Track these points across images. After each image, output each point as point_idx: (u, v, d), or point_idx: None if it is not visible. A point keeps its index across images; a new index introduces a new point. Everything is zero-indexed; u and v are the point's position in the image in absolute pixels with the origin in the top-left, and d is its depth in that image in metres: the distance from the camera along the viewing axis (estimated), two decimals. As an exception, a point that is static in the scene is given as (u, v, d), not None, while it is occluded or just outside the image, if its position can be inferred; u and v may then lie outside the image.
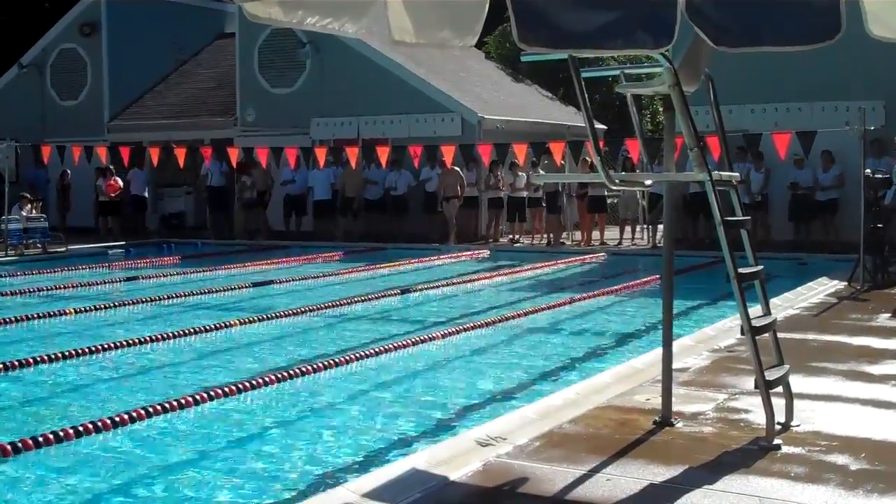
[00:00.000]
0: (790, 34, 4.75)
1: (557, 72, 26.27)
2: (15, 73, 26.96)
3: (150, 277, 14.94)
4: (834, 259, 15.02)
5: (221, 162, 21.97)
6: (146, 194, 23.05)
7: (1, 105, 26.18)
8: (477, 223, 21.28)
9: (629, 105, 6.52)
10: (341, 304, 11.90)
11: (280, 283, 14.21)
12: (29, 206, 19.30)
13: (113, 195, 22.02)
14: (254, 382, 7.38)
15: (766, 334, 5.60)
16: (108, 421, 6.23)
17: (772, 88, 18.25)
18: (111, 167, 22.06)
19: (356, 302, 12.10)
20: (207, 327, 9.96)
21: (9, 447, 5.65)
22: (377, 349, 8.75)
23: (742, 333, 5.35)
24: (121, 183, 22.10)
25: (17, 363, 8.12)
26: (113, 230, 21.87)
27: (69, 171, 22.27)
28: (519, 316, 10.90)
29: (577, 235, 20.69)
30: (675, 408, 5.73)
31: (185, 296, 12.70)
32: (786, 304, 10.49)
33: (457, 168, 20.09)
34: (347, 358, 8.37)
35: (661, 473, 4.75)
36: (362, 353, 8.56)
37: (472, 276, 15.20)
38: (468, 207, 20.65)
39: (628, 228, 20.02)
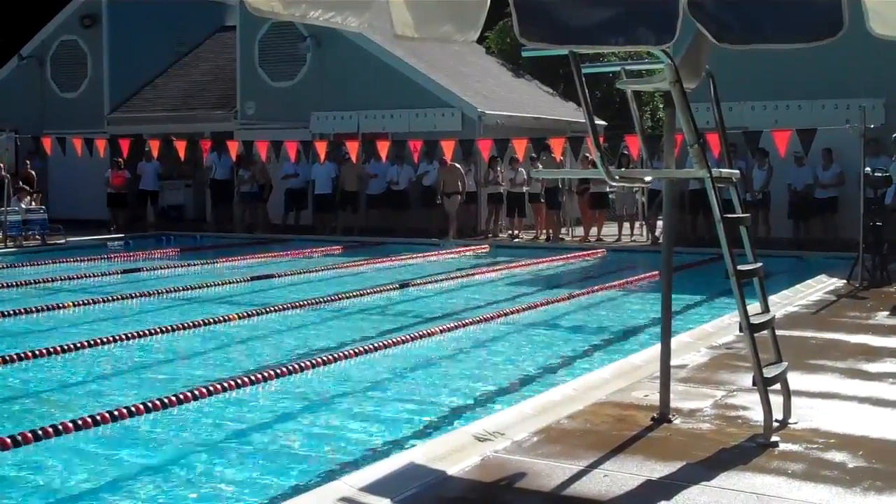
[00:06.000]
0: (792, 31, 4.75)
1: (558, 67, 26.25)
2: (15, 65, 26.90)
3: (148, 270, 14.92)
4: (833, 257, 15.03)
5: (223, 155, 21.98)
6: (157, 188, 23.08)
7: (1, 96, 26.14)
8: (476, 218, 21.29)
9: (629, 101, 6.52)
10: (339, 299, 11.90)
11: (278, 276, 14.21)
12: (28, 198, 19.30)
13: (119, 185, 22.14)
14: (251, 377, 7.38)
15: (765, 331, 5.61)
16: (107, 415, 6.23)
17: (772, 86, 18.23)
18: (118, 160, 22.10)
19: (354, 296, 12.10)
20: (205, 321, 9.94)
21: (8, 440, 5.64)
22: (375, 344, 8.75)
23: (741, 330, 5.36)
24: (127, 174, 22.20)
25: (14, 356, 8.11)
26: (119, 222, 21.94)
27: (28, 162, 22.06)
28: (517, 311, 10.90)
29: (577, 231, 20.69)
30: (673, 404, 5.73)
31: (184, 289, 12.69)
32: (784, 302, 10.49)
33: (456, 164, 20.09)
34: (345, 353, 8.37)
35: (658, 470, 4.76)
36: (360, 349, 8.56)
37: (471, 271, 15.20)
38: (467, 202, 20.68)
39: (627, 224, 20.02)
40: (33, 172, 21.66)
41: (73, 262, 15.68)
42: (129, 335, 9.14)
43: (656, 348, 6.21)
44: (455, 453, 4.98)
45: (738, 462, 4.87)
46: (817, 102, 18.15)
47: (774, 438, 5.21)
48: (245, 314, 10.55)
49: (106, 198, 22.61)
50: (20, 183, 19.91)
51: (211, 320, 10.02)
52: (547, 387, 6.97)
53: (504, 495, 4.56)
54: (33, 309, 10.70)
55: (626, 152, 18.85)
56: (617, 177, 5.85)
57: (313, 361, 7.97)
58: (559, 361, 8.53)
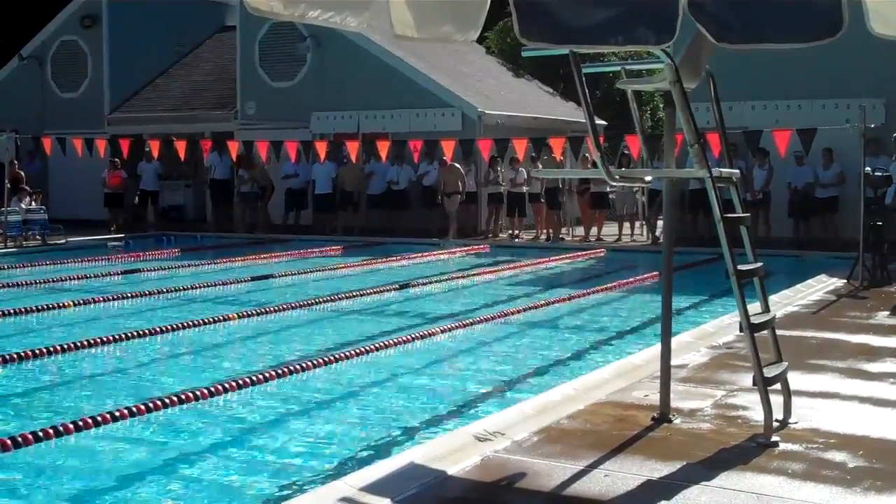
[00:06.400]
0: (792, 31, 4.76)
1: (558, 67, 26.24)
2: (15, 65, 26.90)
3: (149, 270, 14.92)
4: (833, 256, 15.03)
5: (224, 155, 21.98)
6: (157, 188, 23.10)
7: (1, 97, 26.14)
8: (476, 218, 21.28)
9: (630, 101, 6.52)
10: (339, 299, 11.90)
11: (278, 277, 14.20)
12: (28, 198, 19.28)
13: (115, 185, 22.16)
14: (251, 377, 7.38)
15: (765, 331, 5.60)
16: (108, 416, 6.23)
17: (773, 85, 18.23)
18: (114, 160, 22.12)
19: (354, 296, 12.10)
20: (204, 321, 9.94)
21: (8, 441, 5.64)
22: (375, 344, 8.75)
23: (741, 330, 5.36)
24: (124, 174, 22.22)
25: (14, 356, 8.11)
26: (118, 222, 21.94)
27: (16, 162, 21.70)
28: (518, 311, 10.89)
29: (577, 231, 20.69)
30: (673, 404, 5.73)
31: (184, 289, 12.69)
32: (785, 302, 10.49)
33: (456, 164, 20.09)
34: (346, 353, 8.37)
35: (658, 469, 4.75)
36: (360, 349, 8.57)
37: (471, 271, 15.20)
38: (467, 202, 20.68)
39: (627, 224, 20.03)
40: (21, 172, 21.37)
41: (74, 262, 15.67)
42: (129, 335, 9.14)
43: (656, 348, 6.21)
44: (455, 453, 4.98)
45: (738, 462, 4.87)
46: (817, 102, 18.15)
47: (775, 438, 5.21)
48: (245, 314, 10.55)
49: (104, 198, 22.63)
50: (9, 184, 19.80)
51: (210, 320, 10.01)
52: (547, 387, 6.96)
53: (504, 495, 4.55)
54: (34, 308, 10.70)
55: (626, 152, 18.84)
56: (617, 177, 5.85)
57: (313, 361, 7.97)
58: (559, 361, 8.53)
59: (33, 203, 19.38)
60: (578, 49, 5.07)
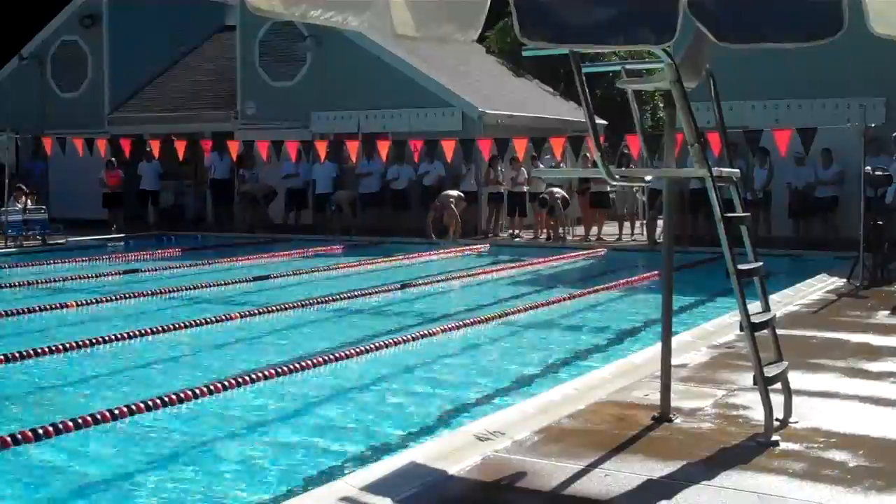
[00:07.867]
0: (792, 30, 4.76)
1: (558, 67, 26.23)
2: (15, 65, 26.89)
3: (149, 270, 14.92)
4: (833, 256, 15.02)
5: (224, 155, 21.99)
6: (158, 188, 23.09)
7: (1, 96, 26.14)
8: (477, 218, 21.27)
9: (630, 101, 6.52)
10: (340, 299, 11.89)
11: (279, 277, 14.19)
12: (24, 198, 19.22)
13: (113, 185, 22.16)
14: (252, 377, 7.38)
15: (766, 331, 5.61)
16: (108, 413, 6.23)
17: (773, 85, 18.23)
18: (111, 159, 22.12)
19: (354, 296, 12.09)
20: (206, 320, 9.94)
21: (8, 439, 5.65)
22: (376, 344, 8.75)
23: (741, 330, 5.36)
24: (122, 174, 22.22)
25: (16, 355, 8.11)
26: (116, 222, 21.93)
27: None
28: (518, 311, 10.89)
29: (577, 231, 20.67)
30: (673, 404, 5.74)
31: (184, 289, 12.68)
32: (785, 301, 10.49)
33: (450, 196, 19.85)
34: (346, 353, 8.37)
35: (658, 469, 4.76)
36: (361, 348, 8.57)
37: (471, 271, 15.20)
38: (468, 203, 20.65)
39: (627, 224, 20.02)
40: None
41: (74, 262, 15.67)
42: (130, 334, 9.14)
43: (657, 347, 6.21)
44: (456, 453, 4.99)
45: (738, 461, 4.87)
46: (817, 102, 18.15)
47: (775, 438, 5.21)
48: (245, 314, 10.55)
49: (102, 198, 22.63)
50: None
51: (211, 320, 10.01)
52: (547, 386, 6.97)
53: (505, 495, 4.56)
54: (36, 308, 10.70)
55: (626, 151, 18.84)
56: (617, 176, 5.85)
57: (313, 361, 7.97)
58: (559, 361, 8.52)
59: (29, 203, 19.34)
60: (579, 49, 5.07)
